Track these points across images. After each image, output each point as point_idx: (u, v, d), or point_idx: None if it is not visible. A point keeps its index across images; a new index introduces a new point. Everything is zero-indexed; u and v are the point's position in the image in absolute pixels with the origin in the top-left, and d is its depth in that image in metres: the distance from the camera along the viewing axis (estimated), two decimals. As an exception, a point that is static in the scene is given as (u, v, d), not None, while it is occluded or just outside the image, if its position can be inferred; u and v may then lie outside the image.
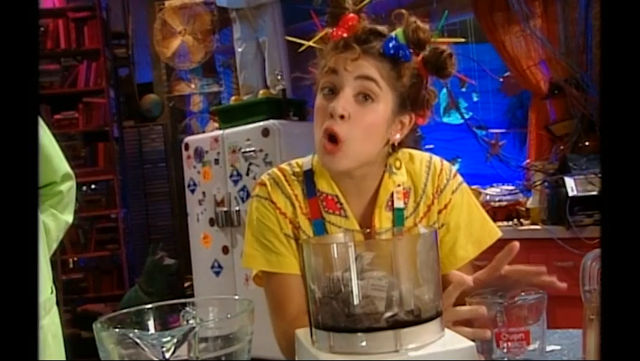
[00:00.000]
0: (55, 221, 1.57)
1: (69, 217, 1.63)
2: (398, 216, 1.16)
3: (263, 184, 1.21)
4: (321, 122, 1.10)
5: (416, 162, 1.22)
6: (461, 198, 1.21)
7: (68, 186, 1.63)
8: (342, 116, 1.06)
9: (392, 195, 1.17)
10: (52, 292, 1.48)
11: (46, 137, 1.57)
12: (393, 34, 1.10)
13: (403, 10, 1.11)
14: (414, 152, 1.24)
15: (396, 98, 1.11)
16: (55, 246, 1.59)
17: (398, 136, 1.15)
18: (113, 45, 4.85)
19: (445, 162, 1.24)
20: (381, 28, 1.12)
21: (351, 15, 1.11)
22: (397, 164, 1.19)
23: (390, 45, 1.08)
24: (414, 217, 1.18)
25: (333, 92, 1.10)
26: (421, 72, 1.12)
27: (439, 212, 1.19)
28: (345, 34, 1.10)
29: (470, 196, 1.23)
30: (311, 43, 1.17)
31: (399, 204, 1.17)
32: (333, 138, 1.07)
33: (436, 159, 1.23)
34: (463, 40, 1.13)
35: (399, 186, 1.18)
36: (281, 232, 1.17)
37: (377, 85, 1.08)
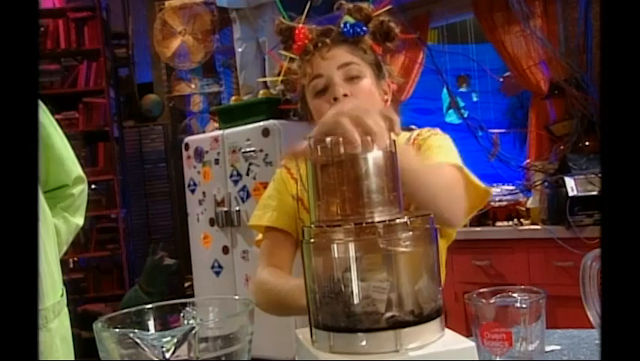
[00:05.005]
0: (65, 224, 1.57)
1: (80, 220, 1.63)
2: None
3: (286, 157, 1.43)
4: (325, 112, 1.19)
5: (400, 135, 1.33)
6: (436, 138, 1.32)
7: (80, 189, 1.62)
8: (345, 95, 1.21)
9: None
10: (62, 295, 1.48)
11: (58, 139, 1.57)
12: (343, 21, 1.28)
13: (342, 1, 1.30)
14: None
15: (371, 70, 1.28)
16: (65, 248, 1.59)
17: (388, 98, 1.33)
18: (113, 45, 4.85)
19: (428, 128, 1.38)
20: (329, 26, 1.29)
21: (300, 26, 1.29)
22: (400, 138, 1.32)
23: (347, 28, 1.26)
24: None
25: (323, 90, 1.24)
26: (373, 46, 1.30)
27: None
28: (301, 45, 1.27)
29: (447, 141, 1.34)
30: (280, 78, 1.35)
31: None
32: None
33: (426, 128, 1.38)
34: (389, 7, 1.31)
35: None
36: (288, 193, 1.34)
37: (357, 64, 1.25)
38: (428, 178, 1.06)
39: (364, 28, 1.28)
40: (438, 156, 1.25)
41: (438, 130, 1.37)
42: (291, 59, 1.33)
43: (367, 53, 1.28)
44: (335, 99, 1.21)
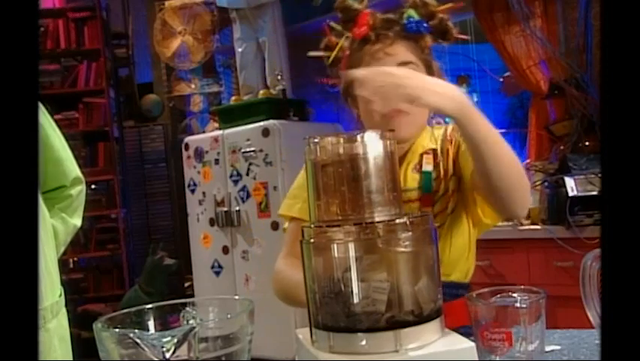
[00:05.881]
0: (63, 225, 1.57)
1: (77, 221, 1.63)
2: (426, 179, 1.27)
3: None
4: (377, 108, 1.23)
5: (436, 130, 1.37)
6: None
7: (78, 190, 1.63)
8: None
9: (421, 158, 1.29)
10: (60, 295, 1.48)
11: (57, 140, 1.57)
12: (406, 14, 1.25)
13: None
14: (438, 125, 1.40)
15: (425, 70, 1.26)
16: (62, 249, 1.59)
17: None
18: (113, 45, 4.85)
19: None
20: (391, 15, 1.26)
21: (366, 11, 1.25)
22: (436, 134, 1.34)
23: (411, 24, 1.24)
24: (438, 178, 1.29)
25: None
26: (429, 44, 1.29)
27: (455, 156, 1.29)
28: (364, 32, 1.24)
29: None
30: (334, 53, 1.29)
31: (427, 167, 1.28)
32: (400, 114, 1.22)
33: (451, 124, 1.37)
34: (461, 4, 1.29)
35: (428, 153, 1.29)
36: None
37: (414, 64, 1.24)
38: (499, 151, 1.06)
39: (426, 26, 1.25)
40: None
41: None
42: (340, 35, 1.30)
43: (424, 52, 1.27)
44: None
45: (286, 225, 1.39)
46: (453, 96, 1.01)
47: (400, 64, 1.22)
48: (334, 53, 1.30)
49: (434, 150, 1.31)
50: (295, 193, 1.38)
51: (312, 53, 1.35)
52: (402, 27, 1.25)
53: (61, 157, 1.58)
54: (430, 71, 1.28)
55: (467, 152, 1.24)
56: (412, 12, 1.25)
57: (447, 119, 1.34)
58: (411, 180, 1.28)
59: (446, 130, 1.34)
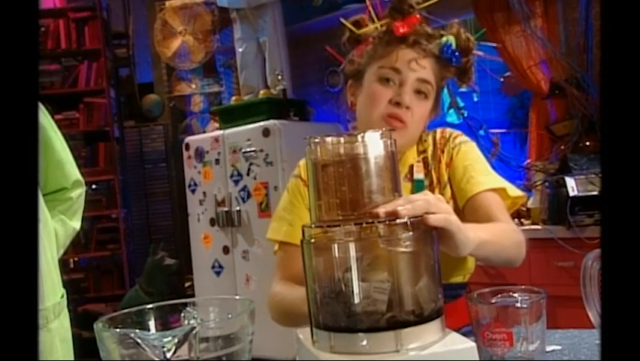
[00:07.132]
0: (63, 227, 1.57)
1: (77, 224, 1.63)
2: (418, 187, 1.29)
3: (299, 165, 1.38)
4: (380, 105, 1.25)
5: (426, 136, 1.37)
6: (466, 147, 1.32)
7: (78, 193, 1.63)
8: (407, 107, 1.24)
9: (412, 167, 1.30)
10: (62, 297, 1.48)
11: (58, 142, 1.57)
12: (445, 39, 1.26)
13: (456, 20, 1.29)
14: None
15: (435, 95, 1.29)
16: (62, 252, 1.59)
17: (426, 126, 1.35)
18: (114, 45, 4.85)
19: (449, 129, 1.37)
20: (433, 31, 1.28)
21: (417, 16, 1.27)
22: (425, 144, 1.36)
23: (447, 52, 1.25)
24: (431, 186, 1.31)
25: (389, 82, 1.25)
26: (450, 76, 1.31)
27: (447, 166, 1.31)
28: (406, 31, 1.25)
29: (476, 150, 1.34)
30: (363, 31, 1.31)
31: (419, 175, 1.30)
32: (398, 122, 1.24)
33: (441, 128, 1.38)
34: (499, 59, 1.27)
35: (419, 162, 1.32)
36: (304, 206, 1.32)
37: (431, 86, 1.26)
38: (498, 247, 1.13)
39: (458, 58, 1.27)
40: (480, 176, 1.27)
41: (459, 133, 1.36)
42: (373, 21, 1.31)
43: (443, 81, 1.30)
44: (397, 103, 1.23)
45: (276, 247, 1.36)
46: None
47: (419, 78, 1.24)
48: (365, 29, 1.30)
49: (424, 159, 1.33)
50: (280, 215, 1.36)
51: (343, 20, 1.35)
52: (439, 47, 1.26)
53: (62, 159, 1.58)
54: (437, 101, 1.30)
55: (467, 172, 1.28)
56: (452, 39, 1.26)
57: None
58: (404, 189, 1.28)
59: (435, 137, 1.35)
